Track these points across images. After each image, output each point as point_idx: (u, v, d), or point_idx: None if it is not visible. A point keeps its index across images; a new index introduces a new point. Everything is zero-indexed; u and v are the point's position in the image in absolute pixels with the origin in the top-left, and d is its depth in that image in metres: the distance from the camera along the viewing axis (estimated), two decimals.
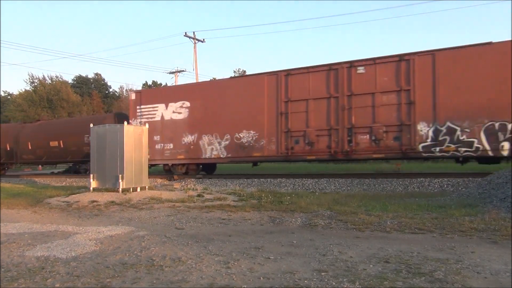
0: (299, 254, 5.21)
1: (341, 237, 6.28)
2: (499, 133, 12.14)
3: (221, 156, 16.54)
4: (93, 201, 10.96)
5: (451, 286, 3.88)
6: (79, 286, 4.14)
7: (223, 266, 4.73)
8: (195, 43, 36.42)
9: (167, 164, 18.35)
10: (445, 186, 12.26)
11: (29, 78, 54.70)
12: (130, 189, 12.18)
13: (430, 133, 13.08)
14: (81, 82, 60.24)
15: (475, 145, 12.44)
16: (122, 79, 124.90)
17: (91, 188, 12.42)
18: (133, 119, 18.59)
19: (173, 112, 17.74)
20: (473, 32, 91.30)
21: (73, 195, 11.97)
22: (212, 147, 16.81)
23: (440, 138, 12.90)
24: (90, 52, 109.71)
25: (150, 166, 16.90)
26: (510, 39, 13.78)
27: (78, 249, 5.75)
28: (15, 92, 55.77)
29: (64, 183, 19.04)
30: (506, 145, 12.04)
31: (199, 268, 4.65)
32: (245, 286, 4.02)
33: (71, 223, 8.21)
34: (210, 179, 16.52)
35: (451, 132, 12.75)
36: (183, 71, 43.04)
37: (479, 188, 9.88)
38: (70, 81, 58.79)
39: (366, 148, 13.95)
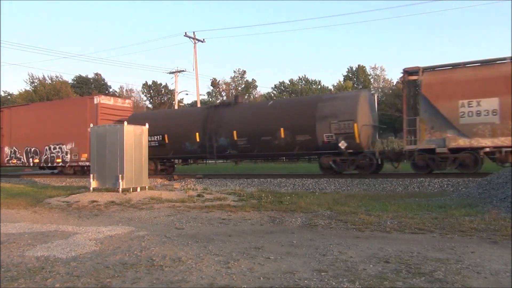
0: (299, 254, 5.21)
1: (341, 237, 6.28)
2: None
3: None
4: (93, 201, 10.96)
5: (451, 286, 3.88)
6: (79, 286, 4.14)
7: (223, 266, 4.73)
8: (195, 43, 36.45)
9: None
10: (445, 186, 12.26)
11: (29, 78, 54.71)
12: (130, 189, 12.18)
13: None
14: (81, 82, 60.19)
15: None
16: (122, 79, 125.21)
17: (91, 188, 12.42)
18: None
19: None
20: (473, 32, 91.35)
21: (73, 195, 11.97)
22: None
23: None
24: (90, 52, 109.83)
25: None
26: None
27: (78, 249, 5.75)
28: (15, 92, 55.77)
29: (64, 183, 19.03)
30: None
31: (199, 268, 4.65)
32: (245, 286, 4.02)
33: (71, 223, 8.21)
34: (210, 179, 16.52)
35: None
36: (183, 71, 43.03)
37: (479, 188, 9.88)
38: (70, 81, 58.77)
39: None
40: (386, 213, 8.03)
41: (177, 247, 5.73)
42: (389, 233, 6.47)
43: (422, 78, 13.75)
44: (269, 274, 4.38)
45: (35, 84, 53.55)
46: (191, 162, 20.04)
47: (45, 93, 49.22)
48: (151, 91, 62.59)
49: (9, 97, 57.36)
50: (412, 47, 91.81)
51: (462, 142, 12.83)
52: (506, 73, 12.33)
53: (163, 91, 61.67)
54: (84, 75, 61.71)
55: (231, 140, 16.57)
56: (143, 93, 62.77)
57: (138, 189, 12.42)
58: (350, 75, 59.75)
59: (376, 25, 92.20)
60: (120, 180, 11.89)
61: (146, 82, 63.29)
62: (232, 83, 59.70)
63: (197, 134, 17.43)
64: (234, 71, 64.44)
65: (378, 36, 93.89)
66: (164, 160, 19.45)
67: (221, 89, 64.41)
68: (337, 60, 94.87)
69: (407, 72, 14.06)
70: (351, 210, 8.51)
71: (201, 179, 16.76)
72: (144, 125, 13.13)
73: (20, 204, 11.23)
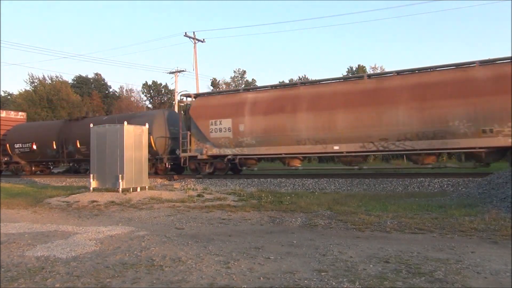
0: (299, 254, 5.21)
1: (341, 237, 6.28)
2: None
3: None
4: (93, 201, 10.96)
5: (451, 286, 3.88)
6: (79, 286, 4.14)
7: (223, 266, 4.73)
8: (195, 43, 36.43)
9: None
10: (445, 186, 12.26)
11: (29, 78, 54.69)
12: (130, 189, 12.19)
13: None
14: (81, 82, 60.18)
15: None
16: (122, 79, 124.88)
17: (91, 188, 12.42)
18: None
19: None
20: (473, 32, 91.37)
21: (73, 195, 11.98)
22: None
23: None
24: (90, 52, 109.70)
25: None
26: None
27: (78, 249, 5.75)
28: (15, 92, 55.79)
29: (64, 183, 19.04)
30: None
31: (199, 268, 4.65)
32: (245, 286, 4.02)
33: (71, 223, 8.21)
34: (210, 179, 16.53)
35: None
36: (183, 71, 42.97)
37: (479, 188, 9.88)
38: (70, 81, 58.77)
39: None
40: (386, 213, 8.04)
41: (177, 247, 5.73)
42: (389, 233, 6.47)
43: (191, 102, 18.34)
44: (269, 274, 4.38)
45: (35, 84, 53.53)
46: (52, 165, 24.98)
47: (45, 93, 49.24)
48: (151, 91, 62.60)
49: (9, 97, 57.39)
50: (412, 47, 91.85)
51: (215, 151, 17.07)
52: (238, 100, 16.66)
53: (163, 91, 61.68)
54: (84, 75, 61.73)
55: (76, 148, 21.37)
56: (143, 93, 62.80)
57: (138, 189, 12.43)
58: (350, 75, 59.82)
59: (376, 25, 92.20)
60: (120, 180, 11.89)
61: (146, 82, 63.29)
62: (232, 83, 59.68)
63: (54, 142, 22.27)
64: (234, 71, 64.45)
65: (378, 36, 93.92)
66: (36, 163, 24.39)
67: (221, 89, 64.40)
68: (337, 60, 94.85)
69: (184, 96, 19.00)
70: (351, 210, 8.51)
71: (201, 179, 16.76)
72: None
73: (20, 204, 11.23)
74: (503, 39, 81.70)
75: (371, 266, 4.60)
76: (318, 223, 7.43)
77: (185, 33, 35.91)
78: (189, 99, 18.68)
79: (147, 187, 12.87)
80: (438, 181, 12.54)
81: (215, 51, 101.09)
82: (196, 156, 17.40)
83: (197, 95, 18.90)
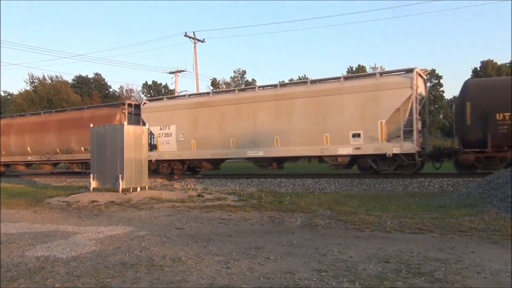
0: (299, 254, 5.21)
1: (341, 237, 6.28)
2: None
3: None
4: (93, 201, 10.96)
5: (451, 286, 3.88)
6: (79, 286, 4.14)
7: (223, 266, 4.73)
8: (195, 43, 36.40)
9: None
10: (445, 186, 12.26)
11: (29, 78, 54.66)
12: (130, 189, 12.18)
13: None
14: (81, 82, 60.16)
15: None
16: (122, 79, 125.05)
17: (91, 188, 12.42)
18: None
19: None
20: (473, 32, 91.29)
21: (73, 195, 11.97)
22: None
23: None
24: (90, 52, 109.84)
25: None
26: None
27: (78, 249, 5.75)
28: (15, 92, 55.80)
29: (64, 183, 19.04)
30: None
31: (199, 268, 4.65)
32: (245, 286, 4.02)
33: (71, 223, 8.21)
34: (210, 179, 16.53)
35: None
36: (183, 71, 42.90)
37: (479, 188, 9.88)
38: (70, 81, 58.76)
39: None
40: (386, 213, 8.03)
41: (177, 247, 5.73)
42: (389, 233, 6.47)
43: (142, 107, 19.41)
44: (269, 274, 4.38)
45: (35, 84, 53.54)
46: None
47: (45, 93, 49.24)
48: (151, 91, 62.60)
49: (9, 97, 57.39)
50: (412, 47, 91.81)
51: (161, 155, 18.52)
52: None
53: (163, 91, 61.67)
54: (84, 75, 61.71)
55: None
56: (143, 93, 62.79)
57: (138, 189, 12.42)
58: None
59: (376, 25, 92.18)
60: (120, 180, 11.89)
61: (146, 82, 63.35)
62: (232, 83, 59.67)
63: None
64: (234, 71, 64.39)
65: (378, 36, 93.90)
66: None
67: (221, 89, 64.35)
68: (337, 60, 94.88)
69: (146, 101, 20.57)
70: (351, 210, 8.51)
71: (201, 179, 16.76)
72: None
73: (20, 204, 11.22)
74: (503, 39, 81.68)
75: (371, 266, 4.59)
76: (318, 223, 7.42)
77: (185, 33, 35.89)
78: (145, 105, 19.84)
79: (147, 187, 12.87)
80: (438, 181, 12.54)
81: (215, 51, 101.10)
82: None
83: (147, 101, 20.38)
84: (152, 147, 19.13)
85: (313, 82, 15.51)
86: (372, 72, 14.17)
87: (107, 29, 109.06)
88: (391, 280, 4.06)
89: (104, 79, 63.83)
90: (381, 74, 14.70)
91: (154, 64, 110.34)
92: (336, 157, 14.71)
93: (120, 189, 11.88)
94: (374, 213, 8.13)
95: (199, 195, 11.73)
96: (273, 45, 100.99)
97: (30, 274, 4.55)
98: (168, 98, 19.44)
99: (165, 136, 18.04)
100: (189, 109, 17.63)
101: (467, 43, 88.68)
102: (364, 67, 59.08)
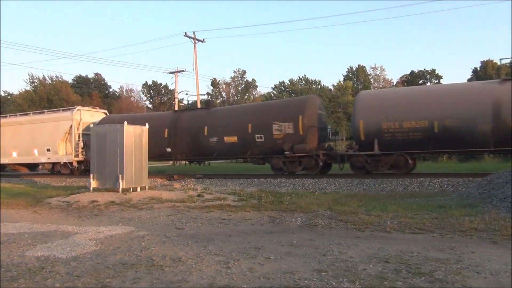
0: (299, 254, 5.21)
1: (341, 237, 6.28)
2: None
3: None
4: (93, 201, 10.96)
5: (451, 286, 3.88)
6: (79, 286, 4.14)
7: (223, 266, 4.73)
8: (195, 43, 36.42)
9: None
10: (445, 186, 12.25)
11: (29, 78, 54.70)
12: (130, 189, 12.17)
13: None
14: (81, 82, 60.21)
15: None
16: (122, 79, 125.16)
17: (91, 188, 12.41)
18: None
19: None
20: (473, 32, 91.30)
21: (73, 195, 11.96)
22: None
23: None
24: (90, 52, 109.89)
25: None
26: None
27: (78, 249, 5.75)
28: (15, 92, 55.81)
29: (64, 183, 19.02)
30: None
31: (199, 268, 4.65)
32: (245, 286, 4.02)
33: (71, 223, 8.21)
34: (210, 179, 16.52)
35: None
36: (183, 71, 42.93)
37: (479, 188, 9.88)
38: (70, 81, 58.79)
39: None
40: (386, 213, 8.03)
41: (177, 247, 5.73)
42: (389, 233, 6.47)
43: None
44: (269, 274, 4.38)
45: (35, 84, 53.56)
46: None
47: (45, 93, 49.24)
48: (151, 91, 62.65)
49: (9, 97, 57.38)
50: (412, 47, 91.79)
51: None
52: None
53: (163, 91, 61.71)
54: (84, 75, 61.74)
55: None
56: (143, 93, 62.86)
57: (138, 189, 12.42)
58: (350, 75, 59.78)
59: (376, 25, 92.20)
60: (120, 180, 11.88)
61: (146, 82, 63.37)
62: (232, 83, 59.68)
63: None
64: (234, 71, 64.48)
65: (378, 36, 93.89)
66: None
67: (221, 89, 64.42)
68: (337, 60, 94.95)
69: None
70: (351, 210, 8.51)
71: (201, 179, 16.76)
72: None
73: (20, 204, 11.22)
74: (503, 39, 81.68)
75: (371, 266, 4.59)
76: (318, 223, 7.42)
77: (185, 33, 35.94)
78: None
79: (147, 187, 12.86)
80: (438, 181, 12.53)
81: (215, 51, 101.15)
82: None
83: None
84: None
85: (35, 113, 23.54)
86: (55, 109, 25.02)
87: (107, 29, 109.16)
88: (391, 280, 4.06)
89: (104, 79, 63.94)
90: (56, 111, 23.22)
91: (154, 64, 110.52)
92: (42, 164, 23.11)
93: (120, 189, 11.87)
94: (374, 213, 8.13)
95: (199, 195, 11.73)
96: (273, 45, 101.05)
97: (30, 274, 4.55)
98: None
99: None
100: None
101: (467, 43, 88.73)
102: (364, 67, 59.06)
